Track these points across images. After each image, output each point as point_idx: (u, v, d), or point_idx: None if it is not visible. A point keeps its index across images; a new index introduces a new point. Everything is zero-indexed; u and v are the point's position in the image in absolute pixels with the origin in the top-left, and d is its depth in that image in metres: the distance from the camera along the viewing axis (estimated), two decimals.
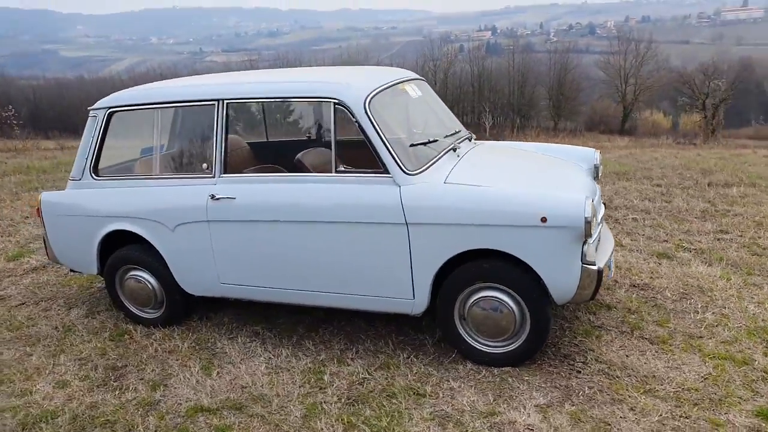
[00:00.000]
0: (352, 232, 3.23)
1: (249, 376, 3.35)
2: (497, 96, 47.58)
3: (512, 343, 3.15)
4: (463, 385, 3.07)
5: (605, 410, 2.81)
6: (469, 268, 3.09)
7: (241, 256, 3.53)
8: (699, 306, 3.84)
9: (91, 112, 3.95)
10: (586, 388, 2.99)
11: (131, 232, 3.79)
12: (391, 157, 3.14)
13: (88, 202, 3.91)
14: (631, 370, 3.12)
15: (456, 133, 3.82)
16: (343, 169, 3.28)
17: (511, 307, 3.08)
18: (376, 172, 3.19)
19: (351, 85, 3.31)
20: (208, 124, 3.57)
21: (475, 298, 3.13)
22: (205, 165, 3.61)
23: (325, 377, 3.27)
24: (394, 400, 3.00)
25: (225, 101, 3.50)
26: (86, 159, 3.92)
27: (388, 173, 3.15)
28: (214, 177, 3.56)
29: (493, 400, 2.92)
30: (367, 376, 3.25)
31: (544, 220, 2.86)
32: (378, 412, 2.92)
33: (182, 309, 3.95)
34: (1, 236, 6.23)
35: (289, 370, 3.39)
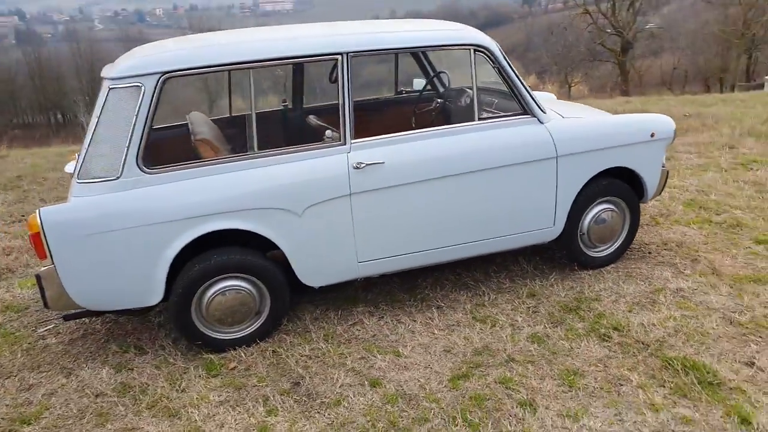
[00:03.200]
0: (504, 175, 3.38)
1: (448, 338, 3.20)
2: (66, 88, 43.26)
3: (613, 244, 3.87)
4: (611, 284, 3.65)
5: (714, 257, 3.84)
6: (591, 189, 3.64)
7: (388, 225, 3.23)
8: None
9: (118, 81, 2.84)
10: (678, 259, 3.92)
11: (217, 232, 2.98)
12: (531, 98, 3.41)
13: (150, 205, 2.87)
14: (684, 240, 4.19)
15: None
16: (486, 115, 3.37)
17: (618, 214, 3.78)
18: (516, 114, 3.41)
19: (479, 31, 3.38)
20: (321, 83, 3.09)
21: (593, 213, 3.71)
22: (329, 132, 3.11)
23: (520, 316, 3.37)
24: (585, 312, 3.38)
25: (350, 54, 3.08)
26: (126, 148, 2.83)
27: (529, 114, 3.42)
28: (345, 144, 3.12)
29: (649, 285, 3.62)
30: (535, 303, 3.50)
31: (653, 135, 3.65)
32: (596, 321, 3.28)
33: (286, 311, 3.30)
34: None
35: (471, 326, 3.31)
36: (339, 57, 3.08)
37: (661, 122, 3.74)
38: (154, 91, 2.85)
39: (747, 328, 3.13)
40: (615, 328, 3.20)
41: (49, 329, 3.54)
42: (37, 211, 2.79)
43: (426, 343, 3.19)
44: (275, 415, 2.69)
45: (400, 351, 3.13)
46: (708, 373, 2.78)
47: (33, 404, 2.88)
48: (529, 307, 3.48)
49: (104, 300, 2.96)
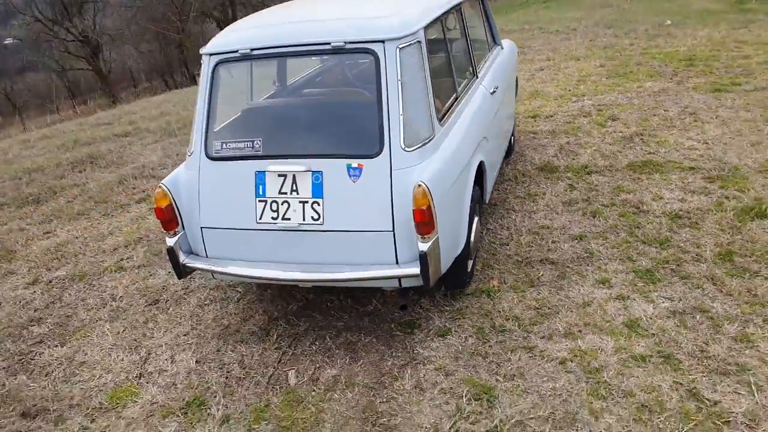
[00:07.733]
0: (507, 87, 4.53)
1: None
2: None
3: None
4: (541, 154, 5.30)
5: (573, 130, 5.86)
6: None
7: (499, 135, 4.00)
8: None
9: (404, 40, 2.73)
10: (544, 135, 5.82)
11: None
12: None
13: (454, 154, 2.98)
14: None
15: None
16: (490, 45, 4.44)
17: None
18: (497, 45, 4.62)
19: None
20: (457, 29, 3.64)
21: None
22: (470, 69, 3.65)
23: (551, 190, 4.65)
24: (572, 168, 4.98)
25: (461, 4, 3.69)
26: (428, 107, 2.84)
27: (500, 45, 4.68)
28: (478, 77, 3.74)
29: (562, 146, 5.45)
30: (535, 187, 4.85)
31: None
32: (583, 168, 4.91)
33: None
34: None
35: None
36: (460, 6, 3.66)
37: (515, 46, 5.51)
38: (426, 44, 2.88)
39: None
40: (608, 167, 4.87)
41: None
42: (422, 183, 2.55)
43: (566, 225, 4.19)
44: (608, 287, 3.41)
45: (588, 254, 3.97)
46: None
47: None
48: (539, 182, 4.79)
49: (445, 261, 2.86)
